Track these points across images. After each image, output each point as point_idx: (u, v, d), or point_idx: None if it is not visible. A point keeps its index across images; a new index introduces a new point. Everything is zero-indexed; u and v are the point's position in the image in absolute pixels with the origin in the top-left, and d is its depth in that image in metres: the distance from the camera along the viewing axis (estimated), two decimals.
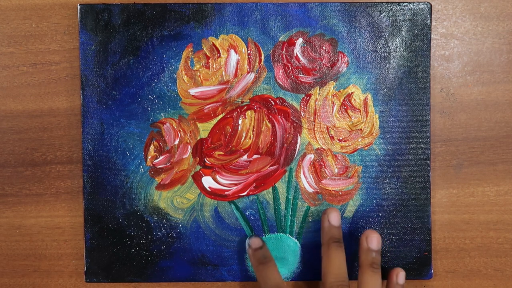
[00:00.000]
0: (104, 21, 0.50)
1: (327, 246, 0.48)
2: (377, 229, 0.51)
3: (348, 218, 0.51)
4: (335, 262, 0.47)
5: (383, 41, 0.50)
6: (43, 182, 0.52)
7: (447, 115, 0.52)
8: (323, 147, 0.50)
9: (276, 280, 0.47)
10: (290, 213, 0.51)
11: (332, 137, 0.50)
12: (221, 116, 0.50)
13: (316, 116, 0.50)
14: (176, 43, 0.50)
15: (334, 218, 0.48)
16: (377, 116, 0.50)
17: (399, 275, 0.48)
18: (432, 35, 0.51)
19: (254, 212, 0.51)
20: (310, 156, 0.50)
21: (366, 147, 0.51)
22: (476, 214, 0.52)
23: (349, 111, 0.50)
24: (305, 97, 0.50)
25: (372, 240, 0.47)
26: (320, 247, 0.49)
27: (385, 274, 0.51)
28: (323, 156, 0.50)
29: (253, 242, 0.48)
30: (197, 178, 0.51)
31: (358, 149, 0.50)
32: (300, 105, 0.50)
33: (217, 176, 0.50)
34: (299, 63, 0.50)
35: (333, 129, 0.50)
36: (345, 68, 0.50)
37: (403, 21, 0.50)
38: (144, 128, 0.50)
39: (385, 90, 0.50)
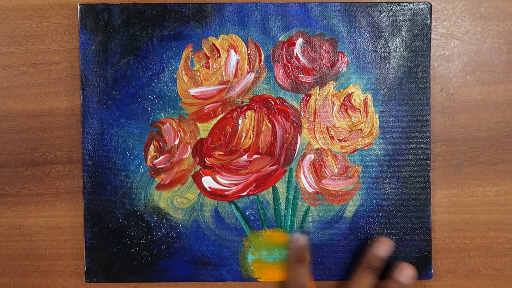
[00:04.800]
0: (104, 21, 0.50)
1: (362, 269, 0.48)
2: (377, 229, 0.51)
3: (348, 218, 0.51)
4: (360, 286, 0.48)
5: (383, 41, 0.50)
6: (43, 182, 0.52)
7: (447, 115, 0.52)
8: (323, 147, 0.50)
9: (304, 281, 0.49)
10: (290, 213, 0.51)
11: (332, 137, 0.50)
12: (221, 116, 0.50)
13: (316, 116, 0.50)
14: (176, 43, 0.50)
15: (381, 250, 0.48)
16: (377, 116, 0.50)
17: (402, 273, 0.48)
18: (432, 35, 0.51)
19: (254, 212, 0.51)
20: (310, 156, 0.50)
21: (366, 147, 0.51)
22: (476, 214, 0.52)
23: (349, 111, 0.50)
24: (305, 97, 0.50)
25: (381, 247, 0.48)
26: (320, 246, 0.50)
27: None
28: (323, 156, 0.50)
29: (301, 239, 0.49)
30: (197, 178, 0.51)
31: (358, 149, 0.50)
32: (300, 105, 0.50)
33: (217, 176, 0.50)
34: (299, 63, 0.50)
35: (333, 129, 0.50)
36: (345, 68, 0.50)
37: (403, 21, 0.50)
38: (144, 128, 0.50)
39: (385, 90, 0.50)
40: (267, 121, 0.50)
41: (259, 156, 0.50)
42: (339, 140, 0.50)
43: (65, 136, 0.52)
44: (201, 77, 0.50)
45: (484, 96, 0.52)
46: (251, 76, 0.50)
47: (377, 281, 0.48)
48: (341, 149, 0.50)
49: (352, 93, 0.50)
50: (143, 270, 0.51)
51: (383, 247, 0.48)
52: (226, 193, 0.51)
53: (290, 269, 0.49)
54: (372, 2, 0.50)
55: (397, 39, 0.50)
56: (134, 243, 0.51)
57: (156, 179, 0.51)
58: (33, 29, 0.51)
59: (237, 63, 0.50)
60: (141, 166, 0.50)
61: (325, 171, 0.51)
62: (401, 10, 0.50)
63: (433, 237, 0.52)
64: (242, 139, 0.50)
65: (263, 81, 0.50)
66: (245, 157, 0.50)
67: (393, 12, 0.50)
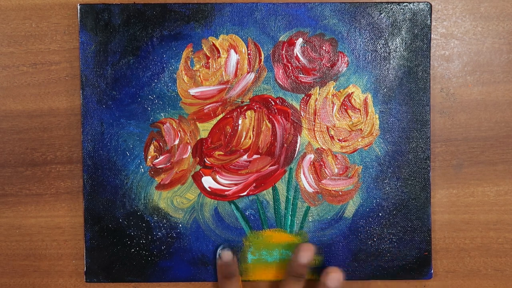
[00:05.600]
0: (104, 21, 0.50)
1: (287, 279, 0.48)
2: (377, 229, 0.51)
3: (348, 218, 0.51)
4: None
5: (383, 41, 0.50)
6: (43, 182, 0.52)
7: (447, 115, 0.52)
8: (323, 147, 0.50)
9: None
10: (290, 213, 0.51)
11: (332, 137, 0.50)
12: (221, 116, 0.50)
13: (316, 116, 0.50)
14: (176, 43, 0.50)
15: (303, 257, 0.47)
16: (377, 116, 0.50)
17: (329, 277, 0.47)
18: (432, 35, 0.51)
19: (254, 212, 0.51)
20: (310, 156, 0.50)
21: (366, 147, 0.51)
22: (476, 214, 0.52)
23: (349, 111, 0.50)
24: (305, 97, 0.50)
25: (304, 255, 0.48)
26: (320, 246, 0.50)
27: (386, 275, 0.51)
28: (323, 156, 0.50)
29: (224, 255, 0.48)
30: (197, 178, 0.51)
31: (358, 149, 0.50)
32: (300, 105, 0.50)
33: (217, 176, 0.50)
34: (299, 63, 0.50)
35: (333, 129, 0.50)
36: (345, 68, 0.50)
37: (403, 21, 0.50)
38: (144, 128, 0.50)
39: (385, 90, 0.50)
40: (267, 121, 0.50)
41: (259, 156, 0.50)
42: (339, 140, 0.50)
43: (65, 136, 0.52)
44: (201, 77, 0.50)
45: (484, 96, 0.52)
46: (251, 76, 0.50)
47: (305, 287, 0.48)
48: (341, 149, 0.50)
49: (352, 93, 0.50)
50: (143, 270, 0.51)
51: (305, 254, 0.47)
52: (226, 193, 0.51)
53: (220, 286, 0.49)
54: (372, 2, 0.50)
55: (397, 39, 0.50)
56: (134, 243, 0.51)
57: (156, 179, 0.51)
58: (33, 29, 0.51)
59: (237, 63, 0.50)
60: (141, 166, 0.50)
61: (325, 171, 0.51)
62: (401, 10, 0.50)
63: (433, 237, 0.52)
64: (242, 139, 0.50)
65: (263, 81, 0.50)
66: (245, 157, 0.50)
67: (393, 12, 0.50)
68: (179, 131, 0.50)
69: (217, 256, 0.49)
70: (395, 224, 0.51)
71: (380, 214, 0.51)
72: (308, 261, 0.47)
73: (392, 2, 0.50)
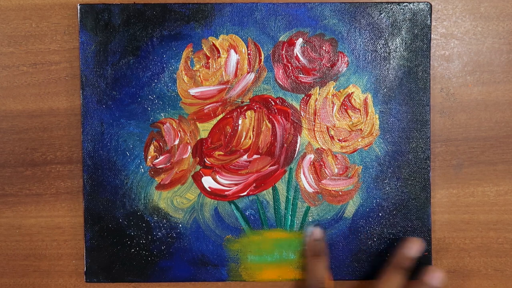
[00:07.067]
0: (104, 21, 0.50)
1: (392, 268, 0.48)
2: (377, 229, 0.51)
3: (348, 218, 0.51)
4: (389, 286, 0.48)
5: (383, 41, 0.50)
6: (43, 182, 0.52)
7: (447, 115, 0.52)
8: (323, 147, 0.50)
9: (323, 275, 0.49)
10: (290, 213, 0.51)
11: (332, 137, 0.50)
12: (221, 116, 0.50)
13: (316, 116, 0.50)
14: (176, 43, 0.50)
15: (411, 250, 0.49)
16: (377, 116, 0.50)
17: (432, 276, 0.48)
18: (432, 35, 0.51)
19: (254, 212, 0.51)
20: (310, 156, 0.50)
21: (366, 147, 0.51)
22: (476, 214, 0.52)
23: (349, 111, 0.50)
24: (305, 97, 0.50)
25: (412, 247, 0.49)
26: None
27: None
28: (323, 156, 0.50)
29: (315, 232, 0.50)
30: (197, 178, 0.51)
31: (358, 149, 0.50)
32: (300, 105, 0.50)
33: (217, 176, 0.50)
34: (299, 63, 0.50)
35: (333, 129, 0.50)
36: (345, 68, 0.50)
37: (403, 21, 0.50)
38: (144, 128, 0.50)
39: (385, 90, 0.50)
40: (267, 121, 0.50)
41: (259, 156, 0.50)
42: (339, 140, 0.50)
43: (65, 136, 0.52)
44: (201, 77, 0.50)
45: (484, 96, 0.52)
46: (251, 76, 0.50)
47: (406, 281, 0.48)
48: (341, 149, 0.50)
49: (352, 93, 0.50)
50: (143, 270, 0.51)
51: (414, 247, 0.48)
52: (226, 193, 0.51)
53: (308, 264, 0.49)
54: (372, 2, 0.50)
55: (397, 39, 0.50)
56: (134, 243, 0.51)
57: (156, 179, 0.51)
58: (33, 29, 0.51)
59: (237, 63, 0.50)
60: (141, 166, 0.50)
61: (325, 171, 0.51)
62: (401, 10, 0.50)
63: (433, 237, 0.52)
64: (242, 139, 0.50)
65: (263, 81, 0.50)
66: (245, 157, 0.50)
67: (393, 12, 0.50)
68: (179, 131, 0.50)
69: (308, 233, 0.50)
70: (395, 224, 0.51)
71: (380, 214, 0.51)
72: (415, 254, 0.48)
73: (392, 2, 0.50)
